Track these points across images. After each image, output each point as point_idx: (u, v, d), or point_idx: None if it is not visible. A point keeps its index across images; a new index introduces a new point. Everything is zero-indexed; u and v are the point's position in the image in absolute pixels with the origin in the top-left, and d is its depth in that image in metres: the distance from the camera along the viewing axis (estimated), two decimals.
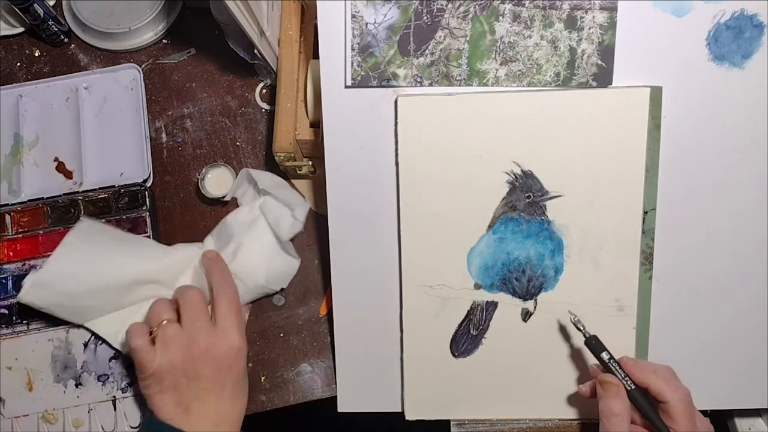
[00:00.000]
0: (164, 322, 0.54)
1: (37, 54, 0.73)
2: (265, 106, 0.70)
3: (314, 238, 0.66)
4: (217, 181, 0.65)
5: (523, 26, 0.50)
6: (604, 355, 0.50)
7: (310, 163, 0.64)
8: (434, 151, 0.52)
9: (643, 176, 0.51)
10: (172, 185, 0.68)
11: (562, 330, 0.54)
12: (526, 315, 0.54)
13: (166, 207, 0.67)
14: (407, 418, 0.57)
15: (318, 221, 0.66)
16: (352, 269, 0.56)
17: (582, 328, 0.51)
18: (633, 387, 0.48)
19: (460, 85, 0.52)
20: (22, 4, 0.65)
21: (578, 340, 0.54)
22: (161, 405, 0.53)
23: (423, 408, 0.57)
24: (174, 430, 0.51)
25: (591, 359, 0.54)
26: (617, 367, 0.49)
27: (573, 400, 0.55)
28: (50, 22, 0.69)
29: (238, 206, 0.65)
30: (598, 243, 0.52)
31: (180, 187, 0.68)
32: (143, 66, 0.71)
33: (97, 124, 0.68)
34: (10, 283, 0.64)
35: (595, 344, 0.50)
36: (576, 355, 0.54)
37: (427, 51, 0.51)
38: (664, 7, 0.50)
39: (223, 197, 0.65)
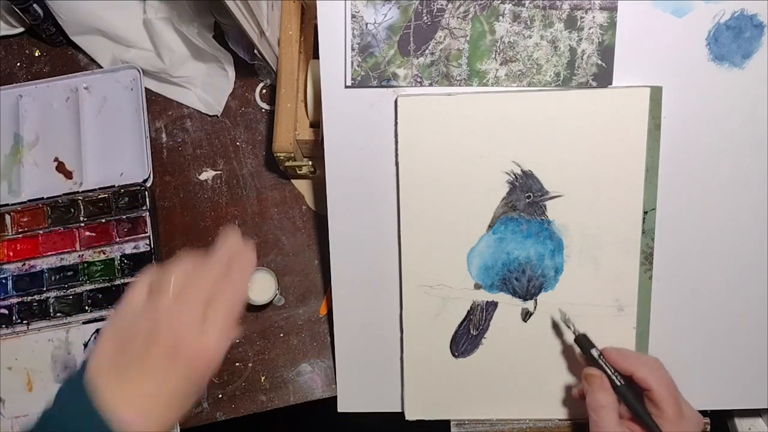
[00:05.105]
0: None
1: (37, 54, 0.73)
2: (265, 106, 0.70)
3: (314, 238, 0.66)
4: (259, 287, 0.61)
5: (523, 26, 0.50)
6: (594, 352, 0.50)
7: (310, 163, 0.64)
8: (434, 151, 0.52)
9: (643, 176, 0.51)
10: (172, 185, 0.68)
11: (562, 330, 0.54)
12: (526, 315, 0.54)
13: (166, 207, 0.67)
14: (407, 418, 0.57)
15: (318, 221, 0.66)
16: (352, 269, 0.56)
17: (572, 325, 0.51)
18: (622, 383, 0.48)
19: (460, 85, 0.51)
20: (22, 4, 0.65)
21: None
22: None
23: (423, 408, 0.57)
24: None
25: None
26: (606, 364, 0.49)
27: (573, 400, 0.55)
28: (50, 22, 0.69)
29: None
30: (598, 243, 0.52)
31: (180, 187, 0.68)
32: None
33: (97, 124, 0.68)
34: (10, 283, 0.64)
35: (584, 342, 0.50)
36: (576, 355, 0.54)
37: (427, 51, 0.51)
38: (664, 7, 0.50)
39: (268, 303, 0.63)
